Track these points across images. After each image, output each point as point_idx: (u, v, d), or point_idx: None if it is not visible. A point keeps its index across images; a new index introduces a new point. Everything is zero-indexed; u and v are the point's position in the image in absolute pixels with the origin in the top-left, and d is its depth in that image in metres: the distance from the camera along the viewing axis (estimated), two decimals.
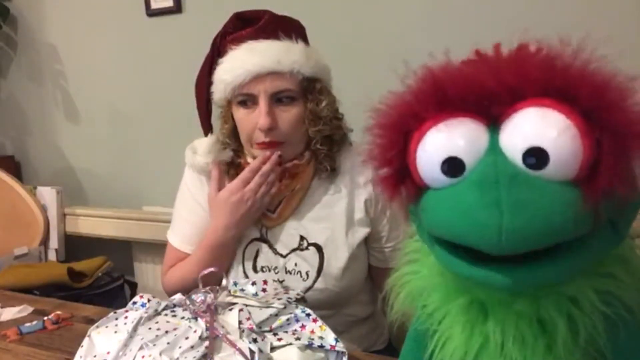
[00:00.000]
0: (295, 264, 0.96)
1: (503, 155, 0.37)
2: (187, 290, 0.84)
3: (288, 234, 0.97)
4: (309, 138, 0.95)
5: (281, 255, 0.97)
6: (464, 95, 0.38)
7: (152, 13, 1.75)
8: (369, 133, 0.42)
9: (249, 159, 0.96)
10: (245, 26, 0.92)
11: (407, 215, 0.45)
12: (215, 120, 1.00)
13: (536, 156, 0.35)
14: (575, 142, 0.35)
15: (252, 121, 0.90)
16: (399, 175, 0.41)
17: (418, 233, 0.46)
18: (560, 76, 0.36)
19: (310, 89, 0.91)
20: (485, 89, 0.37)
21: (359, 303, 1.04)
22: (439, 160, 0.39)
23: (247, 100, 0.91)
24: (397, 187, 0.42)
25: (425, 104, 0.39)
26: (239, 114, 0.93)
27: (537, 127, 0.36)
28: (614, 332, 0.40)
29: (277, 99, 0.90)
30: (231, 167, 0.99)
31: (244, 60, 0.88)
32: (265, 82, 0.88)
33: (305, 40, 0.94)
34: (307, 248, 0.96)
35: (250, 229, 0.99)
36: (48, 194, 1.79)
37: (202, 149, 0.98)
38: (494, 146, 0.37)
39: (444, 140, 0.39)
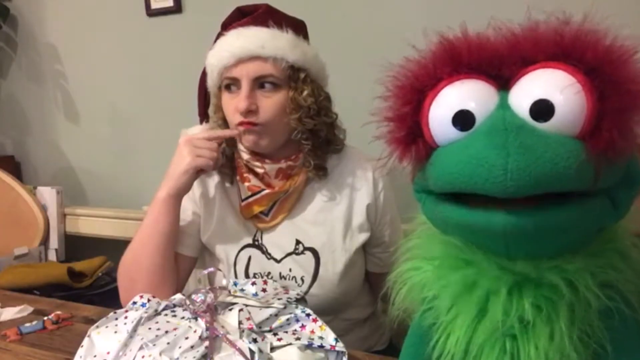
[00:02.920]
0: (290, 269, 0.95)
1: (512, 110, 0.39)
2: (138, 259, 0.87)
3: (283, 237, 0.96)
4: (292, 130, 0.93)
5: (275, 260, 0.96)
6: (478, 58, 0.41)
7: (152, 13, 1.75)
8: (384, 94, 0.45)
9: (244, 155, 0.96)
10: (243, 18, 0.93)
11: (414, 176, 0.46)
12: (213, 114, 1.00)
13: (542, 108, 0.38)
14: (579, 97, 0.37)
15: (234, 104, 0.90)
16: (411, 135, 0.43)
17: (423, 204, 0.46)
18: (568, 41, 0.38)
19: (294, 78, 0.90)
20: (498, 54, 0.41)
21: (357, 306, 1.03)
22: (451, 113, 0.41)
23: (232, 85, 0.91)
24: (409, 146, 0.44)
25: (442, 65, 0.42)
26: (224, 98, 0.93)
27: (543, 83, 0.38)
28: (613, 325, 0.41)
29: (261, 84, 0.89)
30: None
31: (229, 44, 0.89)
32: (248, 66, 0.88)
33: (303, 35, 0.94)
34: (302, 252, 0.95)
35: (242, 235, 0.98)
36: (48, 194, 1.79)
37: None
38: (503, 104, 0.40)
39: (457, 95, 0.41)
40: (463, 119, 0.40)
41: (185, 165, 0.89)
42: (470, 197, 0.39)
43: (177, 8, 1.70)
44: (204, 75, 0.99)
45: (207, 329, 0.68)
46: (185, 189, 0.92)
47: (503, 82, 0.41)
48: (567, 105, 0.37)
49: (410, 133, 0.43)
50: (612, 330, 0.41)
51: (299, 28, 0.94)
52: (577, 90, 0.37)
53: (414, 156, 0.44)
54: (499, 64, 0.41)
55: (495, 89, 0.41)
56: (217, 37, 0.94)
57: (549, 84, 0.38)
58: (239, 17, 0.93)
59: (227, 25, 0.94)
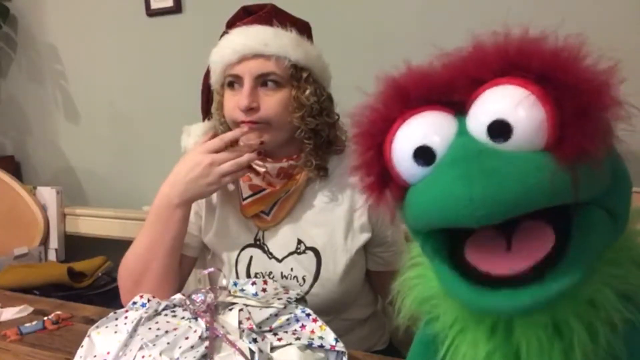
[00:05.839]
0: (292, 269, 0.95)
1: (470, 136, 0.38)
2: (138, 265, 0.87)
3: (285, 237, 0.96)
4: (294, 129, 0.93)
5: (277, 260, 0.96)
6: (426, 91, 0.40)
7: (152, 13, 1.75)
8: (350, 145, 0.44)
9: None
10: (248, 17, 0.94)
11: (394, 217, 0.45)
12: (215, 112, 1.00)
13: (499, 128, 0.36)
14: (535, 109, 0.35)
15: (235, 101, 0.90)
16: (382, 180, 0.43)
17: (420, 247, 0.45)
18: (512, 53, 0.37)
19: (297, 77, 0.90)
20: (445, 81, 0.39)
21: (358, 306, 1.03)
22: (410, 151, 0.40)
23: (234, 82, 0.91)
24: (382, 191, 0.43)
25: (392, 106, 0.41)
26: (226, 95, 0.93)
27: (496, 102, 0.37)
28: (631, 338, 0.40)
29: (263, 82, 0.89)
30: None
31: (232, 41, 0.90)
32: (251, 64, 0.88)
33: (307, 35, 0.94)
34: (304, 252, 0.95)
35: (244, 235, 0.98)
36: (48, 194, 1.79)
37: (196, 132, 0.98)
38: (462, 131, 0.39)
39: (412, 132, 0.40)
40: (423, 155, 0.39)
41: (213, 188, 0.90)
42: (462, 233, 0.38)
43: (177, 8, 1.70)
44: (207, 73, 0.99)
45: (207, 329, 0.68)
46: (200, 199, 0.94)
47: (459, 107, 0.39)
48: (524, 120, 0.35)
49: (380, 178, 0.43)
50: (629, 343, 0.40)
51: (303, 28, 0.94)
52: (532, 102, 0.35)
53: (389, 199, 0.43)
54: (449, 90, 0.39)
55: (452, 115, 0.40)
56: (222, 36, 0.95)
57: (502, 102, 0.36)
58: (244, 16, 0.94)
59: (231, 24, 0.94)
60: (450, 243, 0.40)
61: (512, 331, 0.41)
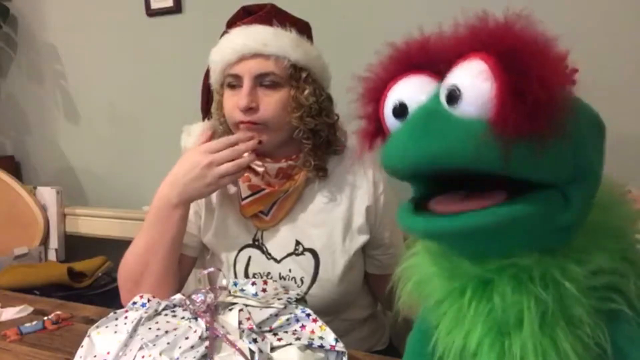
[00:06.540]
0: (290, 270, 0.95)
1: (437, 99, 0.43)
2: (135, 266, 0.88)
3: (283, 238, 0.96)
4: (293, 129, 0.93)
5: (275, 260, 0.96)
6: (422, 57, 0.46)
7: (152, 13, 1.75)
8: (357, 95, 0.51)
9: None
10: (248, 16, 0.94)
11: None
12: (215, 111, 1.01)
13: (452, 93, 0.41)
14: (485, 81, 0.39)
15: (234, 101, 0.91)
16: (376, 130, 0.49)
17: None
18: (487, 31, 0.41)
19: (296, 77, 0.91)
20: (437, 52, 0.45)
21: (357, 307, 1.03)
22: (392, 106, 0.46)
23: (234, 82, 0.91)
24: (374, 139, 0.49)
25: (392, 69, 0.48)
26: (225, 95, 0.93)
27: (458, 72, 0.42)
28: (617, 328, 0.42)
29: (262, 82, 0.90)
30: None
31: (232, 41, 0.90)
32: (250, 64, 0.89)
33: (307, 36, 0.94)
34: (302, 253, 0.95)
35: (243, 235, 0.98)
36: (48, 194, 1.79)
37: (195, 132, 0.98)
38: (436, 94, 0.43)
39: (397, 90, 0.47)
40: (399, 110, 0.46)
41: (211, 189, 0.91)
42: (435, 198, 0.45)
43: (177, 8, 1.70)
44: (207, 73, 1.00)
45: (207, 329, 0.68)
46: (198, 199, 0.95)
47: (445, 75, 0.45)
48: (472, 90, 0.39)
49: (375, 129, 0.49)
50: (616, 333, 0.42)
51: (303, 28, 0.94)
52: (484, 75, 0.39)
53: (378, 146, 0.49)
54: (437, 60, 0.45)
55: (438, 81, 0.45)
56: (222, 36, 0.95)
57: (462, 72, 0.41)
58: (244, 16, 0.94)
59: (231, 24, 0.94)
60: (426, 194, 0.47)
61: (492, 313, 0.43)
